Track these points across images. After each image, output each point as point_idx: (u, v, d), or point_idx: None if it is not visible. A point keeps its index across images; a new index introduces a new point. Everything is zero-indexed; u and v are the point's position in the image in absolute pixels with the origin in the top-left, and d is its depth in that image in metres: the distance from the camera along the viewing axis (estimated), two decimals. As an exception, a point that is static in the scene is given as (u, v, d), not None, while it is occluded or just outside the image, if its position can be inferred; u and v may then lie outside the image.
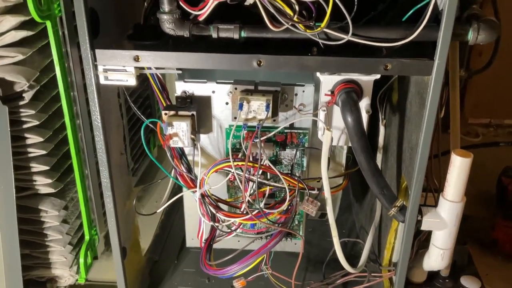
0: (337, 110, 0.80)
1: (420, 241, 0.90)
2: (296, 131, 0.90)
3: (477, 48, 1.50)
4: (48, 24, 0.85)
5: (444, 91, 0.87)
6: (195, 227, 0.95)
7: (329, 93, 0.79)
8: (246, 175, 0.83)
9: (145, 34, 0.80)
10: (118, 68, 0.73)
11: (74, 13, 0.88)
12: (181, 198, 1.02)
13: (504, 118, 1.95)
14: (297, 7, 0.67)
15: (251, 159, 0.83)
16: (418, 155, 0.73)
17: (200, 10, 0.70)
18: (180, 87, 0.87)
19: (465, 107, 1.97)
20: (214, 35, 0.72)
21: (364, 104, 0.80)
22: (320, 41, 0.69)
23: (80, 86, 0.96)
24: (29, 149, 0.89)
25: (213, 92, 0.88)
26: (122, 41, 0.78)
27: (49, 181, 0.92)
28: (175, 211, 1.26)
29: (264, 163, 0.83)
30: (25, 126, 0.87)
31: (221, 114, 0.90)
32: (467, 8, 0.77)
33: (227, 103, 0.88)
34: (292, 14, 0.67)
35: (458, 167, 0.76)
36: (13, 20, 0.79)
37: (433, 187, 0.93)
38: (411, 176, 0.77)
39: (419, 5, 0.68)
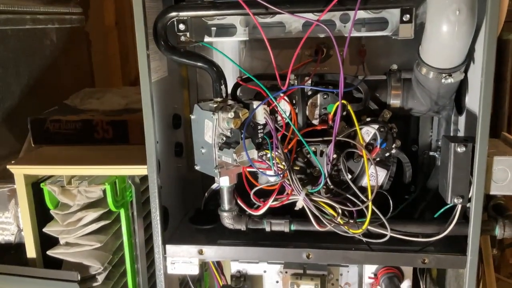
0: (380, 291, 0.87)
1: None
2: (343, 309, 0.96)
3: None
4: (122, 211, 0.97)
5: (480, 267, 0.92)
6: None
7: (372, 275, 0.86)
8: None
9: (204, 218, 0.91)
10: (184, 260, 0.83)
11: (142, 192, 1.03)
12: None
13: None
14: (339, 210, 0.77)
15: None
16: None
17: (256, 212, 0.81)
18: (235, 267, 0.97)
19: (504, 245, 1.96)
20: (267, 229, 0.83)
21: (405, 286, 0.86)
22: (363, 239, 0.78)
23: (143, 256, 1.05)
24: (98, 326, 0.97)
25: (265, 271, 0.96)
26: (186, 230, 0.90)
27: None
28: None
29: None
30: (96, 305, 0.96)
31: (272, 292, 0.98)
32: (492, 198, 0.86)
33: (277, 282, 0.96)
34: (335, 215, 0.77)
35: None
36: (94, 214, 0.92)
37: None
38: None
39: (447, 206, 0.77)
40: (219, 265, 0.95)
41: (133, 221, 1.03)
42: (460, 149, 0.71)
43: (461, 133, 0.83)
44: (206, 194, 0.93)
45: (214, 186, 0.90)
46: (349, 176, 0.78)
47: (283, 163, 0.77)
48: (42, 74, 1.34)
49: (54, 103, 1.21)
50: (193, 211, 0.97)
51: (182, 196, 0.97)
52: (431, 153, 0.88)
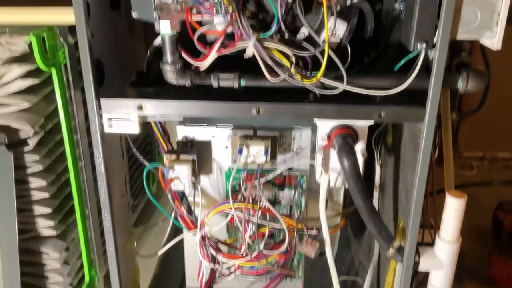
0: (333, 153, 0.82)
1: (419, 281, 0.91)
2: (294, 173, 0.92)
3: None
4: (53, 71, 0.88)
5: (437, 133, 0.90)
6: (195, 268, 0.97)
7: (326, 137, 0.81)
8: (246, 216, 0.84)
9: (147, 81, 0.83)
10: (122, 117, 0.76)
11: (78, 59, 0.93)
12: (181, 238, 1.03)
13: (497, 151, 1.98)
14: (293, 59, 0.70)
15: (250, 200, 0.85)
16: (414, 198, 0.75)
17: (201, 61, 0.73)
18: (181, 132, 0.90)
19: (459, 141, 2.01)
20: (215, 84, 0.75)
21: (359, 147, 0.82)
22: (316, 90, 0.72)
23: (83, 129, 0.98)
24: (33, 193, 0.91)
25: (213, 136, 0.90)
26: (126, 89, 0.81)
27: (51, 223, 0.94)
28: (174, 251, 1.26)
29: (263, 205, 0.85)
30: (29, 171, 0.89)
31: (221, 157, 0.93)
32: (456, 56, 0.81)
33: (226, 147, 0.91)
34: (289, 65, 0.70)
35: (453, 208, 0.78)
36: (19, 69, 0.82)
37: (429, 224, 0.94)
38: (407, 218, 0.79)
39: (410, 56, 0.71)
40: (165, 133, 0.89)
41: (69, 87, 0.94)
42: (428, -14, 0.64)
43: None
44: (148, 52, 0.84)
45: (156, 42, 0.81)
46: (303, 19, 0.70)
47: (231, 6, 0.68)
48: None
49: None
50: (135, 76, 0.88)
51: (122, 57, 0.87)
52: (396, 6, 0.81)
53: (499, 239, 1.26)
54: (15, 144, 0.86)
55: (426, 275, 0.88)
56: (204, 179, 0.95)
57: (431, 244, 0.84)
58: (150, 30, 0.78)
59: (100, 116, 0.75)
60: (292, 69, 0.70)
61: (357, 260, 1.21)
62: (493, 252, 1.20)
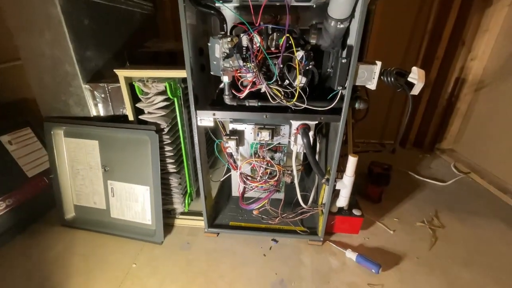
0: (299, 136, 0.83)
1: (334, 193, 0.92)
2: (281, 145, 0.93)
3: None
4: (175, 99, 0.89)
5: (344, 127, 0.90)
6: (236, 187, 0.98)
7: (295, 129, 0.83)
8: (260, 164, 0.86)
9: (217, 103, 0.84)
10: (206, 118, 0.78)
11: (186, 94, 0.94)
12: (229, 174, 1.05)
13: (371, 138, 1.96)
14: (282, 93, 0.72)
15: (262, 157, 0.87)
16: (334, 156, 0.77)
17: (241, 94, 0.74)
18: (231, 126, 0.92)
19: (357, 119, 1.95)
20: (247, 104, 0.77)
21: (311, 133, 0.83)
22: (292, 107, 0.73)
23: (186, 125, 0.99)
24: (166, 153, 0.92)
25: (245, 128, 0.92)
26: (207, 106, 0.83)
27: (174, 166, 0.95)
28: (225, 181, 1.29)
29: (268, 159, 0.86)
30: (164, 143, 0.91)
31: (249, 137, 0.93)
32: (355, 92, 0.82)
33: (251, 133, 0.92)
34: (281, 96, 0.72)
35: (352, 161, 0.79)
36: (161, 97, 0.84)
37: (340, 169, 0.95)
38: (331, 165, 0.80)
39: (334, 92, 0.72)
40: (223, 126, 0.90)
41: (181, 106, 0.95)
42: (344, 60, 0.65)
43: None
44: (217, 91, 0.85)
45: (220, 85, 0.82)
46: (287, 75, 0.71)
47: (255, 68, 0.69)
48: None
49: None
50: (210, 101, 0.90)
51: (205, 94, 0.88)
52: (328, 70, 0.82)
53: (370, 177, 1.26)
54: (159, 130, 0.88)
55: (338, 192, 0.89)
56: (240, 148, 0.96)
57: (341, 178, 0.86)
58: (215, 80, 0.79)
59: (196, 118, 0.77)
60: (282, 98, 0.71)
61: (307, 186, 1.22)
62: (368, 182, 1.20)
